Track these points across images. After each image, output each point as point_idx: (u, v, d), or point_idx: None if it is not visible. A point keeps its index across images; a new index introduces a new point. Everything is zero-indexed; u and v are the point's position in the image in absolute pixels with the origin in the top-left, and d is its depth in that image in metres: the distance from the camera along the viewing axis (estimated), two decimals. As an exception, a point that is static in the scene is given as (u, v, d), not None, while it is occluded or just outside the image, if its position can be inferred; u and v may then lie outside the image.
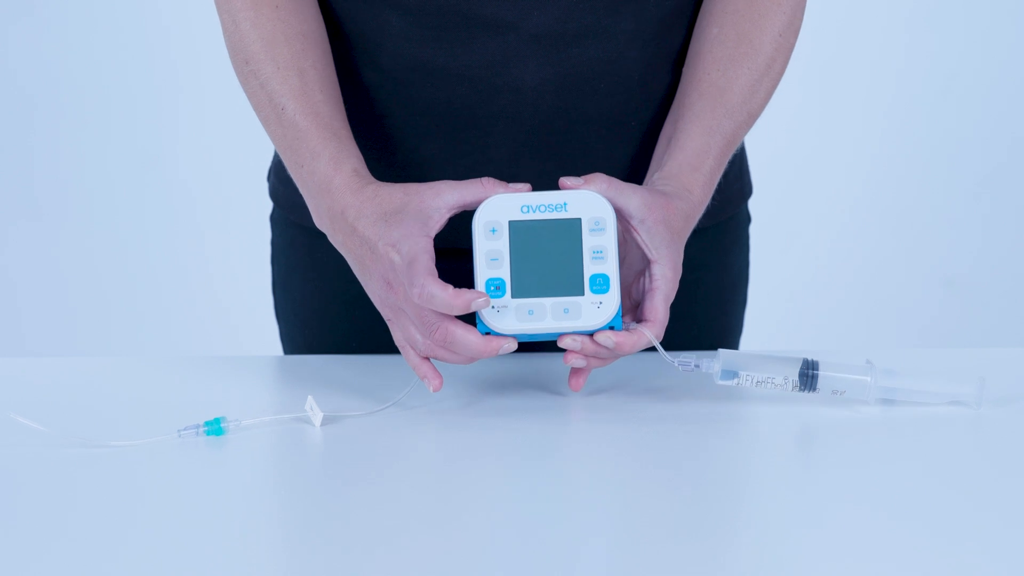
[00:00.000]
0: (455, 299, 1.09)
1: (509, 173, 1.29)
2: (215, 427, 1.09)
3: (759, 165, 1.50)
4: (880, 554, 0.86)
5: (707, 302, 1.41)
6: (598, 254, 1.12)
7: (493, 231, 1.13)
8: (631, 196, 1.14)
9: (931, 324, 3.37)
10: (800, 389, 1.14)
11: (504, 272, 1.12)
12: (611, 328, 1.12)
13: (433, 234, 1.13)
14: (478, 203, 1.13)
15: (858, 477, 1.01)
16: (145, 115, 3.38)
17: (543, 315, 1.12)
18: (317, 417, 1.12)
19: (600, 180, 1.14)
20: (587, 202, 1.13)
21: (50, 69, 3.36)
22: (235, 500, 0.98)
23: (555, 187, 1.28)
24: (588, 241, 1.12)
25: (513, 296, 1.12)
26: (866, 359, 1.15)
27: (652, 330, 1.13)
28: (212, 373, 1.29)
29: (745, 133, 1.26)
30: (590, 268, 1.12)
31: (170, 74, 3.35)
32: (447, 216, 1.14)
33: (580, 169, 1.30)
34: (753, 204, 1.46)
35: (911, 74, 3.37)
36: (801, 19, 1.28)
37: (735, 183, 1.40)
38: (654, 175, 1.22)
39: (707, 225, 1.35)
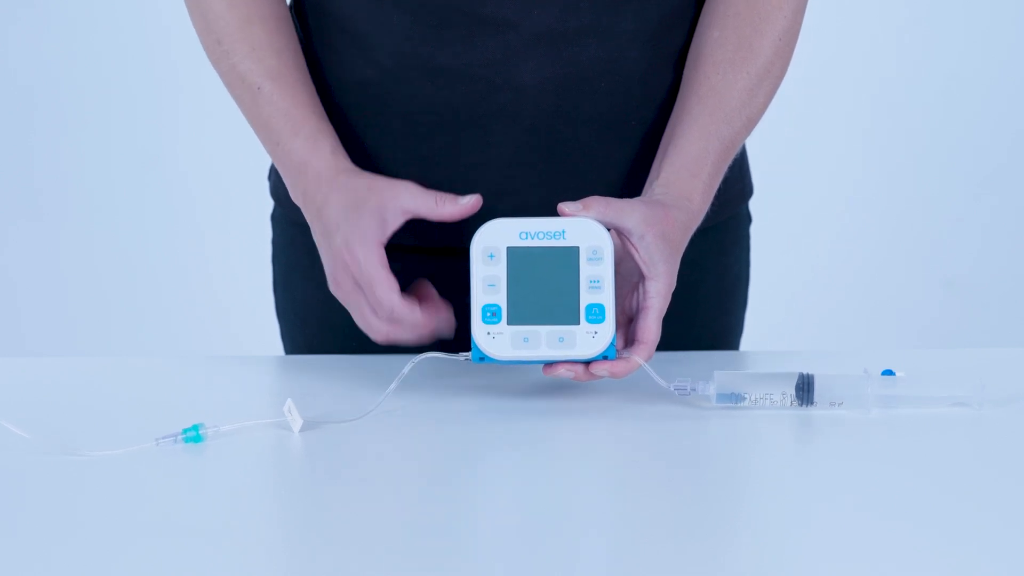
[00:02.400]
0: (424, 327, 1.17)
1: (509, 172, 1.29)
2: (193, 434, 1.07)
3: (760, 166, 1.50)
4: (881, 555, 0.86)
5: (707, 302, 1.41)
6: (595, 283, 1.12)
7: (491, 256, 1.13)
8: (630, 213, 1.14)
9: (931, 324, 3.37)
10: (798, 405, 1.14)
11: (501, 298, 1.12)
12: (604, 357, 1.12)
13: (387, 237, 1.16)
14: (431, 216, 1.16)
15: (858, 477, 1.01)
16: (145, 115, 3.38)
17: (538, 343, 1.12)
18: (296, 423, 1.10)
19: (597, 204, 1.14)
20: (585, 230, 1.13)
21: (50, 68, 3.36)
22: (212, 511, 0.96)
23: (554, 186, 1.28)
24: (585, 270, 1.12)
25: (509, 323, 1.12)
26: (864, 368, 1.14)
27: (644, 350, 1.14)
28: (207, 374, 1.29)
29: (744, 138, 1.26)
30: (586, 297, 1.12)
31: (170, 74, 3.35)
32: (402, 220, 1.17)
33: (580, 168, 1.30)
34: (754, 204, 1.46)
35: (911, 74, 3.37)
36: (801, 22, 1.28)
37: (736, 183, 1.40)
38: (653, 183, 1.22)
39: (708, 225, 1.34)
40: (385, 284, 1.16)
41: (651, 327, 1.14)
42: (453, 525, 0.93)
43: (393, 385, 1.13)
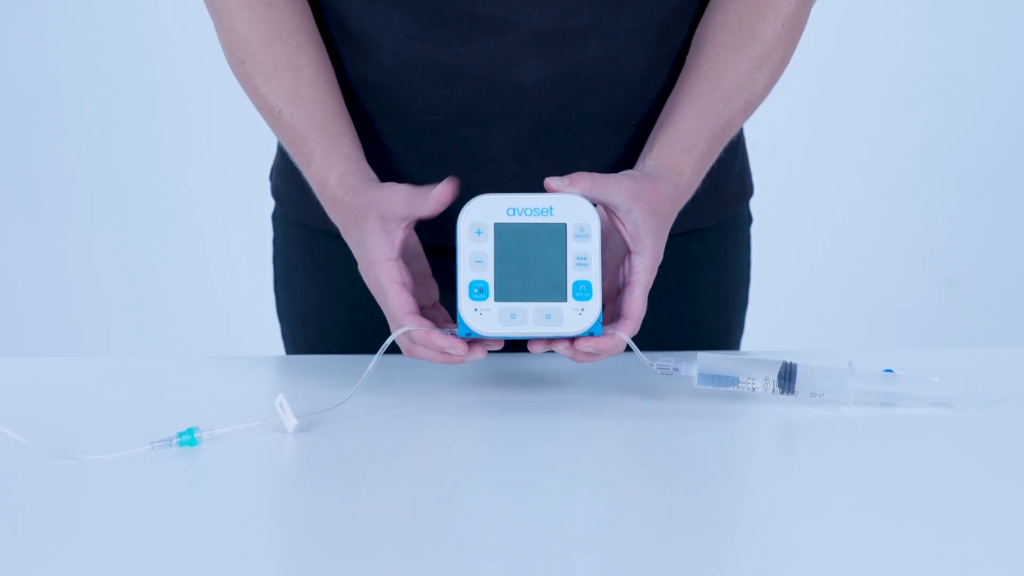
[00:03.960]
0: (435, 344, 1.13)
1: (509, 171, 1.29)
2: (188, 438, 1.07)
3: (760, 165, 1.50)
4: (865, 553, 0.86)
5: (708, 303, 1.41)
6: (582, 260, 1.12)
7: (478, 232, 1.12)
8: (616, 188, 1.14)
9: (931, 324, 3.37)
10: (780, 392, 1.14)
11: (488, 275, 1.12)
12: (591, 334, 1.12)
13: (397, 249, 1.15)
14: (423, 215, 1.14)
15: (843, 476, 1.01)
16: (146, 115, 3.38)
17: (525, 320, 1.11)
18: (289, 420, 1.09)
19: (584, 180, 1.14)
20: (573, 207, 1.12)
21: (51, 69, 3.36)
22: (206, 515, 0.95)
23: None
24: (572, 247, 1.12)
25: (496, 299, 1.12)
26: (848, 361, 1.14)
27: (629, 325, 1.13)
28: (206, 374, 1.29)
29: (742, 121, 1.26)
30: (573, 274, 1.12)
31: (171, 74, 3.36)
32: (404, 226, 1.16)
33: (580, 167, 1.29)
34: (754, 204, 1.46)
35: (911, 74, 3.37)
36: (808, 12, 1.27)
37: (736, 183, 1.40)
38: (645, 156, 1.22)
39: (708, 225, 1.35)
40: (394, 300, 1.15)
41: (636, 302, 1.14)
42: (447, 525, 0.93)
43: (374, 361, 1.13)
